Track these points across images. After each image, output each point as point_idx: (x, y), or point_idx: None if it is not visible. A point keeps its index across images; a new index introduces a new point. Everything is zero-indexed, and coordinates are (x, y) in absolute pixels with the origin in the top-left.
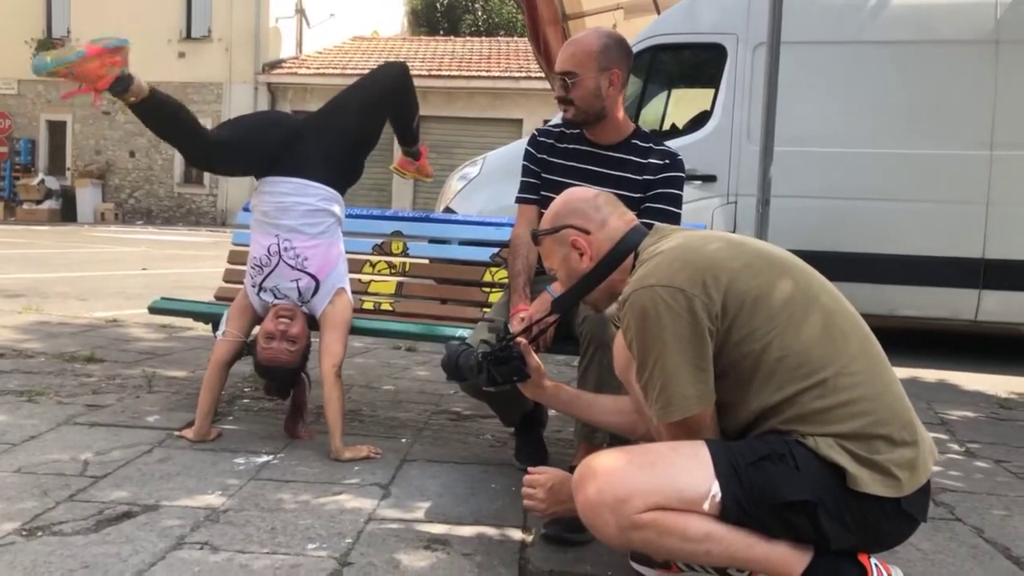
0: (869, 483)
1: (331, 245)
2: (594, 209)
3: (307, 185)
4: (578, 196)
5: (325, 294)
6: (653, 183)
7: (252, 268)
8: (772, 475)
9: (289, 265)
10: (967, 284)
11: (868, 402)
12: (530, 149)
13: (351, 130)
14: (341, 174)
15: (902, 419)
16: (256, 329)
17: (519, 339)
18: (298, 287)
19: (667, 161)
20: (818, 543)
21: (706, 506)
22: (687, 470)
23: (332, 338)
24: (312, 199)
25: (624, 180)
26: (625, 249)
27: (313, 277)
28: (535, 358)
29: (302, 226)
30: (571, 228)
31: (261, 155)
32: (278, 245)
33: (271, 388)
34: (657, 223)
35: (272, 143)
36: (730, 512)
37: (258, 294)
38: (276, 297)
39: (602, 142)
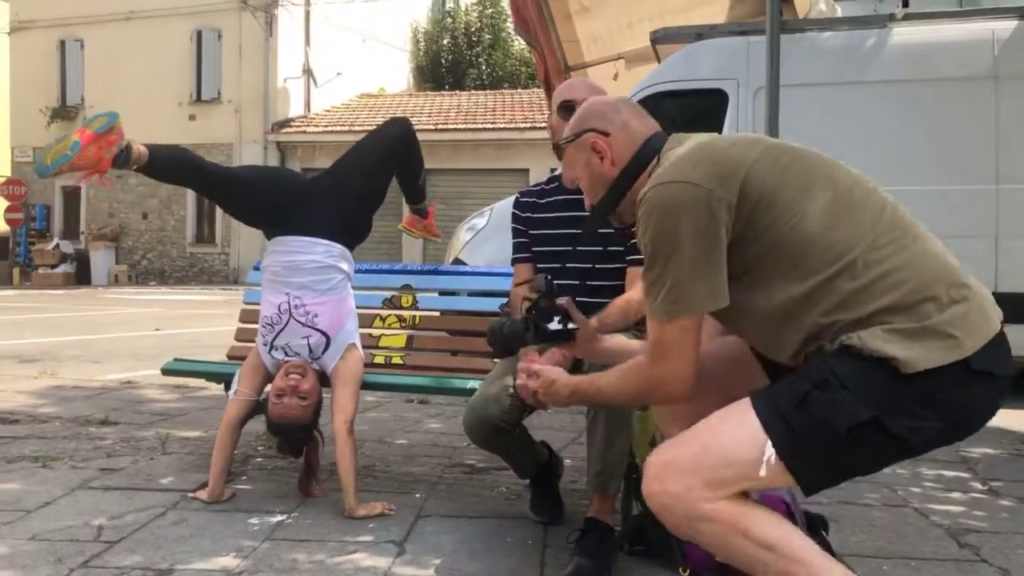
0: (925, 358)
1: (341, 301)
2: (614, 111)
3: (315, 243)
4: (598, 101)
5: (336, 350)
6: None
7: (263, 327)
8: (822, 409)
9: (299, 322)
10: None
11: (904, 270)
12: (516, 212)
13: (357, 188)
14: (349, 232)
15: (947, 279)
16: (268, 388)
17: (562, 299)
18: (309, 344)
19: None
20: (902, 450)
21: (763, 472)
22: (736, 439)
23: (343, 394)
24: (321, 256)
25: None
26: (648, 153)
27: (324, 334)
28: (580, 314)
29: (312, 283)
30: (591, 132)
31: (271, 201)
32: (288, 303)
33: (284, 446)
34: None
35: (284, 191)
36: (794, 466)
37: (269, 352)
38: (287, 355)
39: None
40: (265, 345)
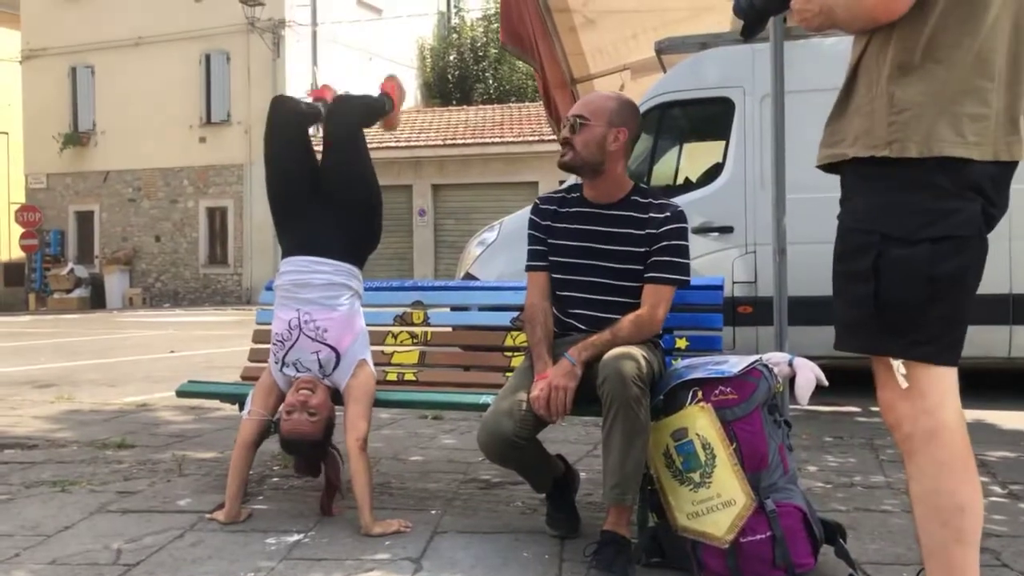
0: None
1: (350, 317)
2: None
3: (323, 262)
4: None
5: (347, 367)
6: (658, 236)
7: (274, 343)
8: (894, 277)
9: (309, 337)
10: (997, 321)
11: None
12: (534, 218)
13: (348, 200)
14: (355, 246)
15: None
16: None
17: None
18: (319, 359)
19: (668, 214)
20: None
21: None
22: None
23: (355, 412)
24: (329, 273)
25: (627, 236)
26: None
27: (333, 349)
28: None
29: (321, 299)
30: None
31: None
32: (298, 319)
33: (300, 466)
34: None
35: (294, 196)
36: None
37: (281, 370)
38: (298, 371)
39: (602, 201)
40: (277, 363)
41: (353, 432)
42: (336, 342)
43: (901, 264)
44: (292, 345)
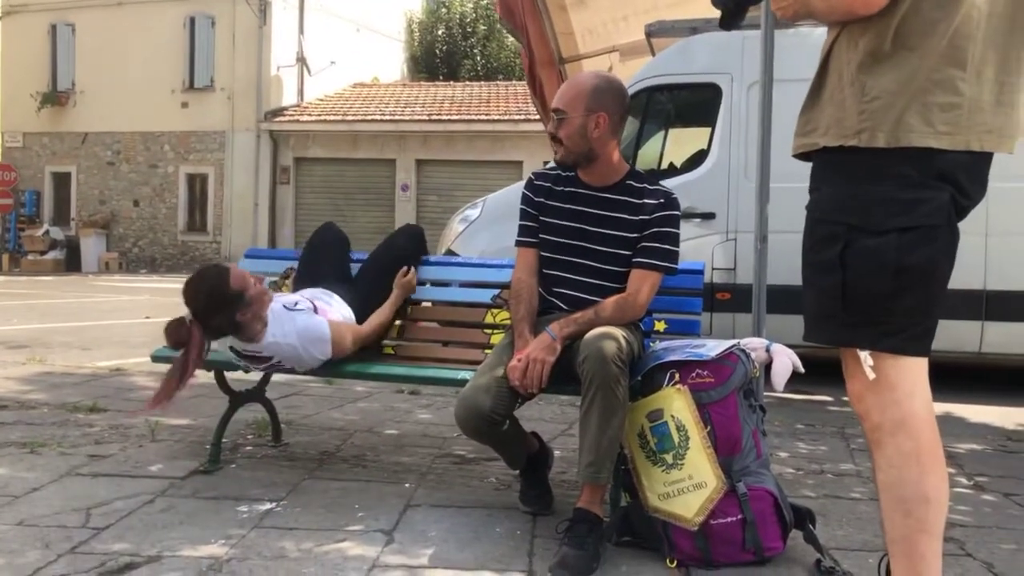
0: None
1: (334, 314)
2: None
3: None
4: None
5: (318, 320)
6: (649, 223)
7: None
8: (861, 274)
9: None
10: (969, 316)
11: None
12: (527, 193)
13: (369, 288)
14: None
15: None
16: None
17: None
18: (295, 301)
19: (662, 200)
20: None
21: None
22: None
23: (346, 332)
24: (328, 294)
25: (620, 221)
26: None
27: (312, 305)
28: None
29: (315, 296)
30: None
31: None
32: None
33: (171, 328)
34: None
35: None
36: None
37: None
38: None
39: (596, 184)
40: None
41: (350, 333)
42: (318, 308)
43: (868, 255)
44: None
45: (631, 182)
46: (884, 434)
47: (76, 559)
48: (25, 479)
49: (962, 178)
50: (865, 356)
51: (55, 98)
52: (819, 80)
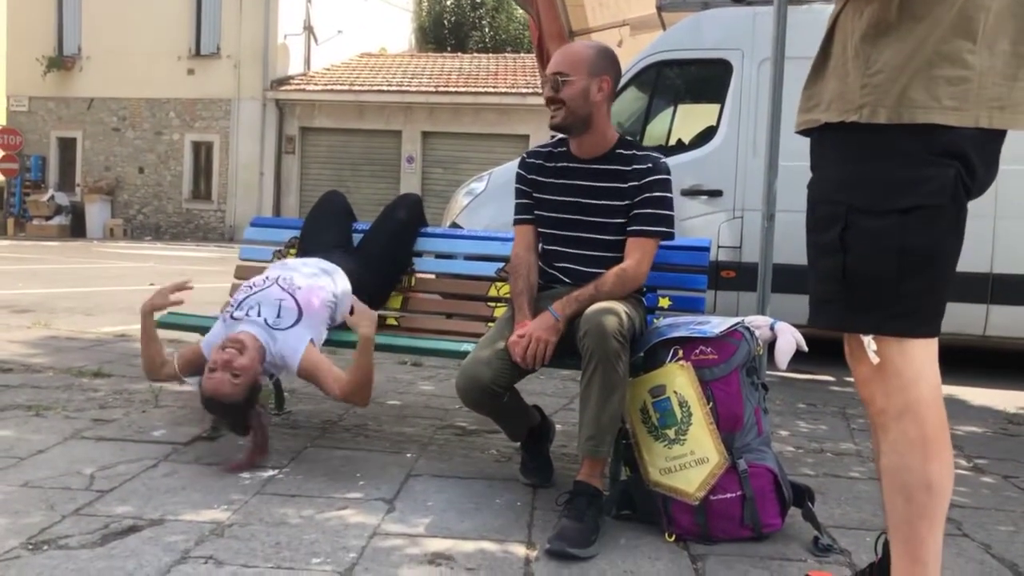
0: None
1: (322, 298)
2: None
3: (326, 262)
4: None
5: (298, 336)
6: (639, 188)
7: (243, 287)
8: (861, 258)
9: (280, 287)
10: (975, 299)
11: None
12: (521, 172)
13: (375, 255)
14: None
15: None
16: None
17: None
18: (280, 307)
19: (650, 165)
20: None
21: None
22: None
23: (323, 376)
24: (326, 266)
25: (612, 190)
26: None
27: (297, 305)
28: None
29: (307, 273)
30: None
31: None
32: (278, 275)
33: (216, 422)
34: None
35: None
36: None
37: (232, 315)
38: (248, 315)
39: (587, 155)
40: (231, 307)
41: (334, 387)
42: (303, 301)
43: (869, 237)
44: (260, 290)
45: (620, 150)
46: (889, 419)
47: (80, 520)
48: (30, 441)
49: (971, 154)
50: (869, 341)
51: (61, 63)
52: (824, 52)
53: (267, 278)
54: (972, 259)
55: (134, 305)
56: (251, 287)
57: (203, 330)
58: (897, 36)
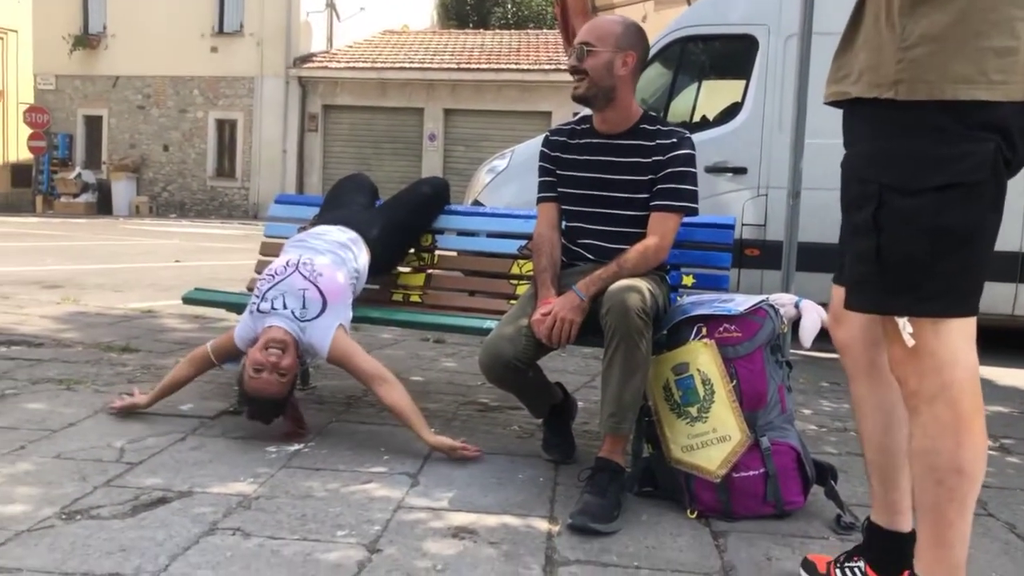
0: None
1: (345, 277)
2: None
3: (347, 230)
4: None
5: (326, 327)
6: (663, 163)
7: (264, 279)
8: (895, 239)
9: (302, 275)
10: (1004, 278)
11: None
12: (544, 150)
13: (397, 219)
14: (379, 246)
15: None
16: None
17: None
18: (304, 297)
19: (674, 140)
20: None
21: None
22: None
23: (362, 363)
24: (344, 238)
25: (636, 165)
26: None
27: (321, 293)
28: None
29: (326, 248)
30: None
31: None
32: (298, 259)
33: (253, 413)
34: None
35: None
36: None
37: (258, 308)
38: (274, 307)
39: (612, 131)
40: (258, 298)
41: (377, 382)
42: (326, 288)
43: (902, 216)
44: (282, 280)
45: (644, 125)
46: (921, 402)
47: (111, 491)
48: (62, 414)
49: (1013, 127)
50: (903, 323)
51: (86, 41)
52: (854, 21)
53: (288, 263)
54: (1001, 237)
55: (160, 282)
56: (272, 275)
57: (228, 306)
58: (937, 5)
